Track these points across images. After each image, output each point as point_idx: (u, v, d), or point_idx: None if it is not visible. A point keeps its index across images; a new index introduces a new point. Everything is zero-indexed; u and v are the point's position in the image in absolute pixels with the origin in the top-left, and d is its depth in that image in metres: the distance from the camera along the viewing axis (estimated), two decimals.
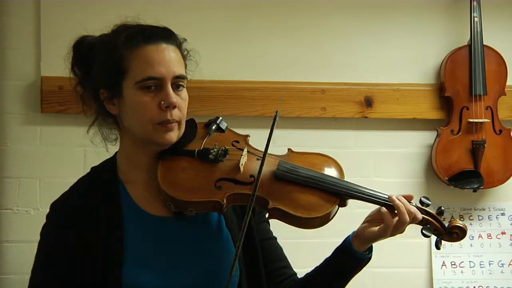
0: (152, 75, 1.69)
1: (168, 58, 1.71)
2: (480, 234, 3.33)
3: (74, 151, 3.05)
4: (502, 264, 3.33)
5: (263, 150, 1.73)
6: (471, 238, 3.31)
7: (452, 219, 1.82)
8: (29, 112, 3.04)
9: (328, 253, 1.85)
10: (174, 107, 1.70)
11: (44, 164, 3.04)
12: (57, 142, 3.06)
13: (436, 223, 1.79)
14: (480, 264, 3.32)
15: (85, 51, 1.79)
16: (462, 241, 1.83)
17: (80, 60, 1.80)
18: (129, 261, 1.69)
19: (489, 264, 3.33)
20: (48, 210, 1.79)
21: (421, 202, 1.81)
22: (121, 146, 1.81)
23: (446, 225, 1.80)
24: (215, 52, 3.09)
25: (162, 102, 1.69)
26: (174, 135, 1.72)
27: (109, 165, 1.81)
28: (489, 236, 3.34)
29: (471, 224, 3.32)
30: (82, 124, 3.05)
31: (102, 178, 1.78)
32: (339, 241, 1.83)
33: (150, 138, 1.72)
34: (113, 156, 1.83)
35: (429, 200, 1.82)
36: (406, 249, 3.21)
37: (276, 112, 1.73)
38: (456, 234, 1.80)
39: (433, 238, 1.82)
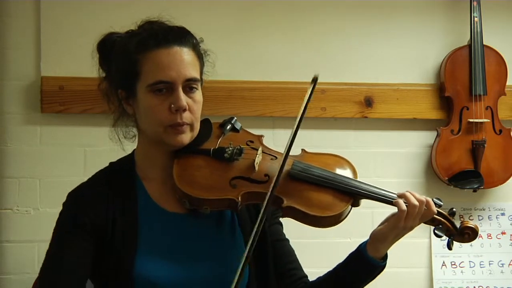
0: (162, 79, 1.70)
1: (179, 61, 1.72)
2: (480, 234, 3.31)
3: (74, 151, 3.05)
4: (502, 264, 3.33)
5: (277, 150, 1.77)
6: None
7: (464, 220, 1.84)
8: (29, 112, 3.04)
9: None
10: (184, 110, 1.72)
11: (44, 164, 3.04)
12: (57, 142, 3.06)
13: (448, 223, 1.81)
14: (480, 264, 3.32)
15: (108, 49, 1.81)
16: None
17: (105, 58, 1.82)
18: (142, 254, 1.71)
19: (489, 264, 3.33)
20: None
21: (433, 202, 1.81)
22: (139, 144, 1.84)
23: (458, 225, 1.82)
24: (215, 52, 3.08)
25: (172, 106, 1.71)
26: (185, 137, 1.74)
27: (127, 161, 1.84)
28: (489, 236, 3.34)
29: None
30: (82, 124, 3.11)
31: (120, 172, 1.81)
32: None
33: (162, 139, 1.74)
34: (131, 153, 1.86)
35: (441, 201, 1.83)
36: (406, 249, 3.20)
37: (315, 79, 1.72)
38: (467, 234, 1.82)
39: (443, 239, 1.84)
